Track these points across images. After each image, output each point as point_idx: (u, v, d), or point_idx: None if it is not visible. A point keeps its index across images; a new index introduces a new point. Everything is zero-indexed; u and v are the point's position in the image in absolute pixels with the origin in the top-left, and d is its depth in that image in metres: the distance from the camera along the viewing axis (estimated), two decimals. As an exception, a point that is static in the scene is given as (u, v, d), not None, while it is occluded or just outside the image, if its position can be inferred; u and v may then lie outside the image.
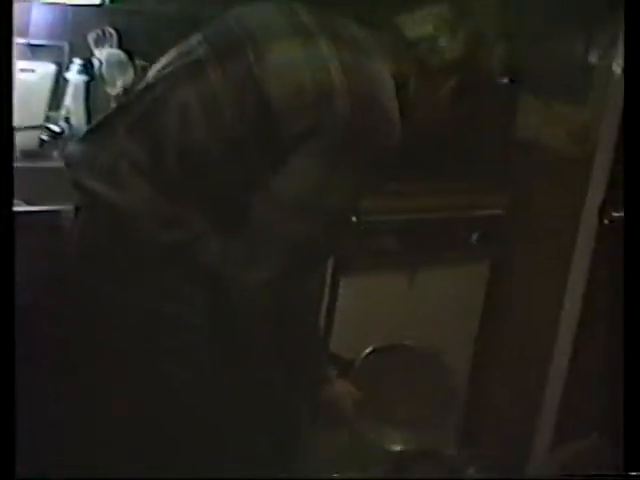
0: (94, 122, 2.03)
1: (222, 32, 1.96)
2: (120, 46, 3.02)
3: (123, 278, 1.88)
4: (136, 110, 1.93)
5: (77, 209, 2.02)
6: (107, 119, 2.01)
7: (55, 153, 2.86)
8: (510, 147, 3.41)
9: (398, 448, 2.09)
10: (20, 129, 2.69)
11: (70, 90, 2.95)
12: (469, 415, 3.48)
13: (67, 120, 2.93)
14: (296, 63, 1.80)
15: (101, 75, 2.98)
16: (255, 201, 1.78)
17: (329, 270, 2.85)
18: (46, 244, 2.11)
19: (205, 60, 1.88)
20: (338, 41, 1.83)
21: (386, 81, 1.84)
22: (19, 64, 2.77)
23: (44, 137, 2.83)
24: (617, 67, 3.18)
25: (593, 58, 3.24)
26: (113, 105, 2.89)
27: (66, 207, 2.09)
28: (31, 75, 2.84)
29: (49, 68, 2.92)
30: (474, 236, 3.27)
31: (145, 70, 2.09)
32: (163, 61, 1.99)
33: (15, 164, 1.50)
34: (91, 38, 2.97)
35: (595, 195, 3.24)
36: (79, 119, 2.94)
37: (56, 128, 2.86)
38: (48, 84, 2.92)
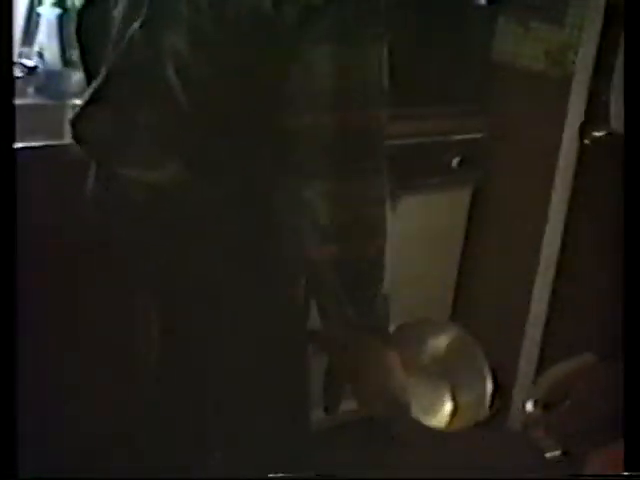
0: (90, 94, 1.95)
1: None
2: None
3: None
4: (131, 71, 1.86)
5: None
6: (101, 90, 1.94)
7: (30, 89, 2.82)
8: (488, 69, 3.38)
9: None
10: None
11: (43, 24, 2.90)
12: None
13: (40, 55, 2.88)
14: None
15: (74, 8, 2.89)
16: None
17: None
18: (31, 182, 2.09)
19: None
20: None
21: None
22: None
23: (18, 73, 2.77)
24: (595, -16, 3.16)
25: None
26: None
27: (47, 143, 2.08)
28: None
29: (21, 2, 2.86)
30: (454, 160, 3.26)
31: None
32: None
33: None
34: (63, -30, 2.92)
35: (575, 115, 3.23)
36: (53, 54, 2.89)
37: (30, 63, 2.82)
38: (19, 19, 2.86)
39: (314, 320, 1.77)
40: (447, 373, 1.83)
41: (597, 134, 3.21)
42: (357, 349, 1.71)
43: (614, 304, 1.72)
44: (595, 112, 3.23)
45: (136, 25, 1.80)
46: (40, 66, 2.84)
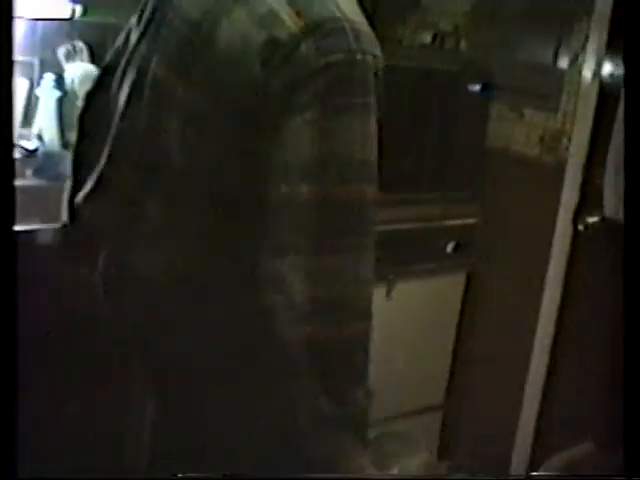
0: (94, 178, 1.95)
1: (169, 38, 1.88)
2: (92, 60, 3.00)
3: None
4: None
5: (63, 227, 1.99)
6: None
7: (28, 171, 2.83)
8: (483, 155, 3.42)
9: None
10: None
11: (42, 106, 2.93)
12: (446, 426, 3.48)
13: (40, 137, 2.91)
14: (243, 26, 1.70)
15: (73, 90, 2.95)
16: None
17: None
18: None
19: (163, 82, 1.83)
20: None
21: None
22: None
23: (17, 155, 2.79)
24: (587, 72, 3.20)
25: (563, 63, 3.25)
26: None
27: (45, 226, 2.08)
28: (1, 92, 2.82)
29: (20, 84, 2.90)
30: (449, 246, 3.28)
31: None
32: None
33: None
34: (61, 53, 2.96)
35: (569, 201, 3.26)
36: (52, 136, 2.92)
37: (30, 146, 2.84)
38: (19, 101, 2.90)
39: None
40: None
41: (591, 220, 3.23)
42: (326, 444, 1.58)
43: (612, 391, 1.71)
44: (589, 198, 3.25)
45: (139, 106, 1.81)
46: (40, 148, 2.86)
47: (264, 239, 1.60)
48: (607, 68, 3.23)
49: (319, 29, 1.56)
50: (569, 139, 3.23)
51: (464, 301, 3.42)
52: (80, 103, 2.10)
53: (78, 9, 2.88)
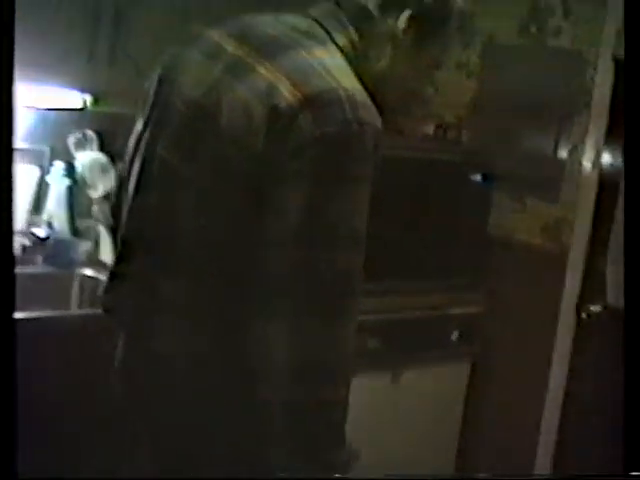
0: (115, 267, 1.97)
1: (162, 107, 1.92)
2: (102, 149, 3.04)
3: None
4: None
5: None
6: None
7: (39, 258, 2.84)
8: (486, 244, 3.44)
9: None
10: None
11: (52, 194, 2.96)
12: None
13: (50, 225, 2.93)
14: (245, 102, 1.67)
15: (83, 178, 2.99)
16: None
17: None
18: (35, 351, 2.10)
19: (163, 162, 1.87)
20: (280, 58, 1.70)
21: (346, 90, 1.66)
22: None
23: (27, 242, 2.81)
24: (587, 162, 3.24)
25: (563, 154, 3.30)
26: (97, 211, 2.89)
27: (54, 314, 2.08)
28: (12, 179, 2.85)
29: (30, 172, 2.93)
30: (454, 334, 3.29)
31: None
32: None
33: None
34: (71, 141, 3.00)
35: (572, 289, 3.28)
36: (62, 223, 2.94)
37: (41, 233, 2.86)
38: (30, 188, 2.93)
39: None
40: None
41: (594, 308, 3.24)
42: None
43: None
44: (591, 286, 3.27)
45: (147, 191, 1.86)
46: (51, 236, 2.87)
47: (256, 303, 1.63)
48: (606, 158, 3.28)
49: (316, 100, 1.60)
50: (571, 228, 3.26)
51: (469, 388, 3.42)
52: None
53: (89, 99, 2.92)
